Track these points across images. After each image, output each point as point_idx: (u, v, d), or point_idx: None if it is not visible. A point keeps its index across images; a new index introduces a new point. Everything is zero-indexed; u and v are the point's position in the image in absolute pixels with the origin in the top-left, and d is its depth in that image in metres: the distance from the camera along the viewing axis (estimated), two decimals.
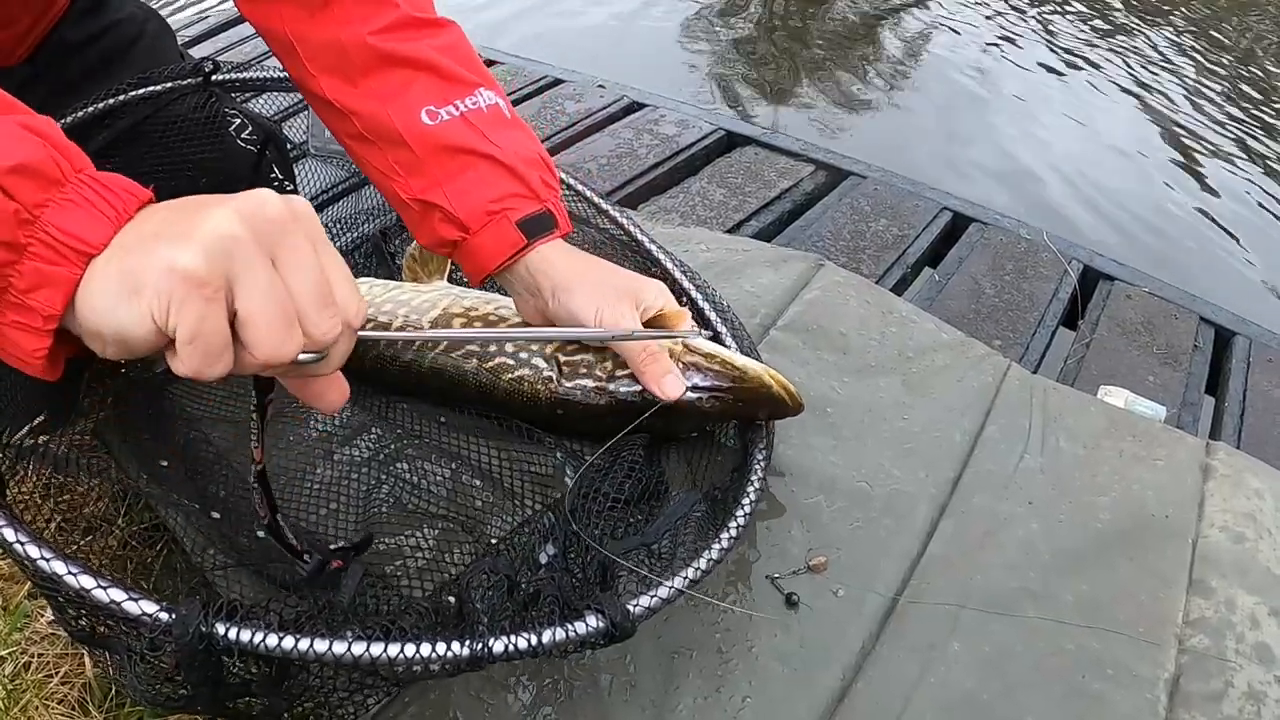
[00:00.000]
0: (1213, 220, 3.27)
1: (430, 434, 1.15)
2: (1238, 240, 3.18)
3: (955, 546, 1.14)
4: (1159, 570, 1.15)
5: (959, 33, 4.56)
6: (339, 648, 0.67)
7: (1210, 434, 1.58)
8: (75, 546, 1.11)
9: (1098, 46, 4.52)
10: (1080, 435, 1.32)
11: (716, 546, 0.88)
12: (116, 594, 0.68)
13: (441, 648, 0.69)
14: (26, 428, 1.03)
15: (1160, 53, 4.51)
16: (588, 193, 1.40)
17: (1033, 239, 1.97)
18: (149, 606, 0.68)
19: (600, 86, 2.48)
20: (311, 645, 0.67)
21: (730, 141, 2.26)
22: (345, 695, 0.79)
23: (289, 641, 0.67)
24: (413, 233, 1.13)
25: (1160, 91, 4.13)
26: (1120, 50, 4.49)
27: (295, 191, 1.49)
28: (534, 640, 0.72)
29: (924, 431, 1.28)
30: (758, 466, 1.03)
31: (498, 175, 1.05)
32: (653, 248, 1.33)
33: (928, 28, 4.62)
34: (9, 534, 0.72)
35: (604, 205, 1.38)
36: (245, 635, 0.67)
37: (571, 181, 1.41)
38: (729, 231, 1.87)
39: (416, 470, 1.10)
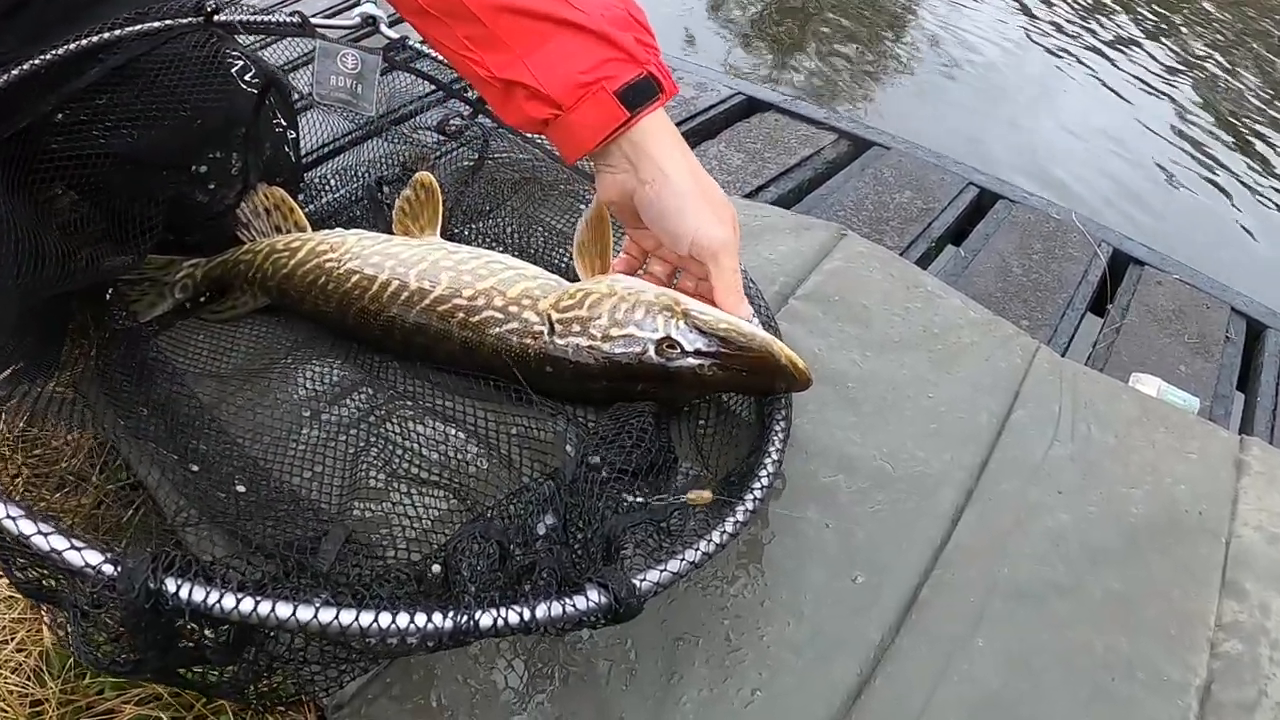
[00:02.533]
0: (1247, 209, 3.22)
1: (424, 395, 1.10)
2: (1273, 231, 3.12)
3: (981, 535, 1.08)
4: (1191, 569, 1.10)
5: (993, 7, 4.48)
6: (304, 614, 0.61)
7: (1240, 428, 1.52)
8: (44, 503, 1.06)
9: (1138, 28, 4.44)
10: (1112, 423, 1.26)
11: (731, 520, 0.81)
12: (58, 541, 0.62)
13: (421, 619, 0.63)
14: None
15: (1202, 38, 4.43)
16: None
17: (1062, 219, 1.91)
18: (93, 557, 0.62)
19: None
20: (273, 610, 0.61)
21: (750, 106, 2.20)
22: (318, 669, 0.72)
23: (248, 604, 0.61)
24: (499, 113, 1.02)
25: (1200, 77, 4.06)
26: (1162, 33, 4.42)
27: (298, 140, 1.43)
28: (527, 615, 0.66)
29: (949, 411, 1.22)
30: (776, 439, 0.96)
31: (584, 42, 0.94)
32: None
33: (952, 10, 4.54)
34: None
35: None
36: (199, 595, 0.61)
37: None
38: (748, 196, 1.81)
39: (408, 433, 1.04)
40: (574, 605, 0.67)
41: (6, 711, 0.84)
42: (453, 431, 1.05)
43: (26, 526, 0.62)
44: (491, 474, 0.99)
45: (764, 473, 0.89)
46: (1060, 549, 1.08)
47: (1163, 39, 4.39)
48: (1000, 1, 4.59)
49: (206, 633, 0.64)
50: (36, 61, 1.09)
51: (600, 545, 0.76)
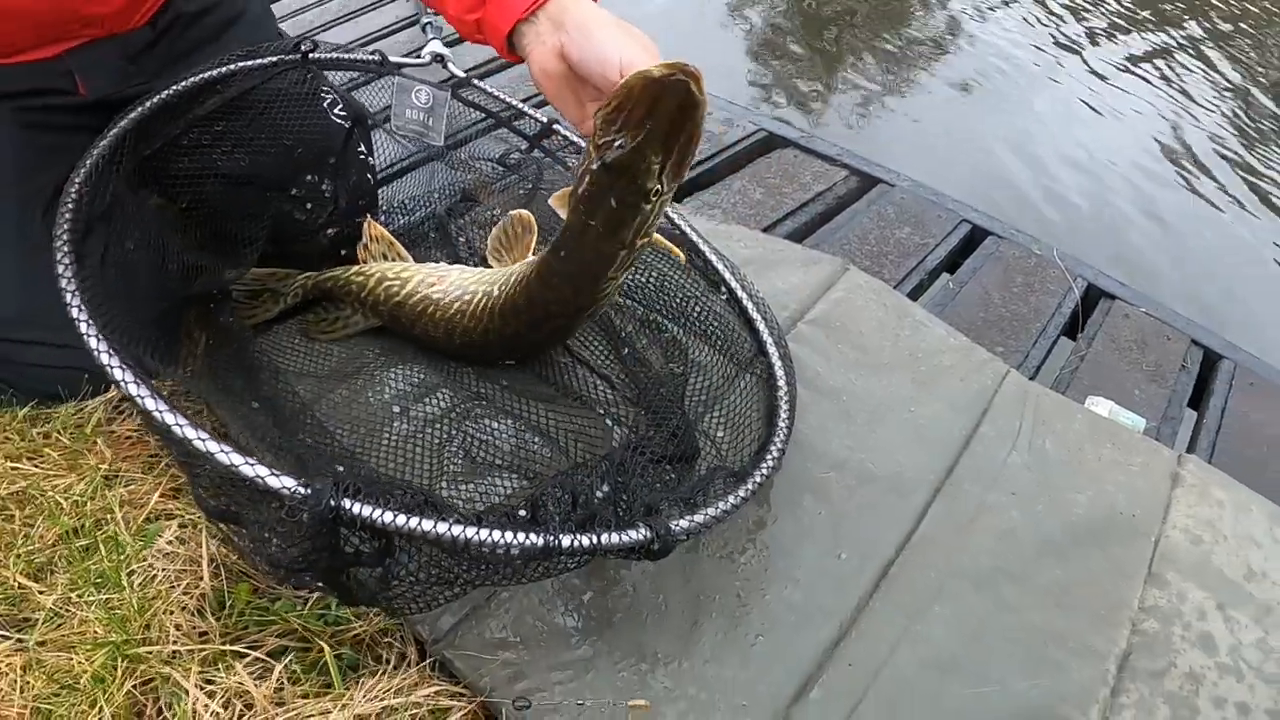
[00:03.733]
0: (1228, 246, 3.34)
1: (495, 397, 1.30)
2: (1249, 267, 3.25)
3: (945, 527, 1.29)
4: (1122, 562, 1.28)
5: (997, 42, 4.61)
6: (442, 528, 0.82)
7: (1187, 448, 1.67)
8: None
9: (1130, 64, 4.53)
10: (1065, 439, 1.46)
11: (744, 488, 1.06)
12: (261, 470, 0.82)
13: (521, 536, 0.85)
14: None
15: (1192, 73, 4.52)
16: None
17: (1043, 255, 2.09)
18: (289, 481, 0.82)
19: None
20: (419, 523, 0.82)
21: (770, 142, 2.37)
22: (425, 587, 0.93)
23: (400, 519, 0.82)
24: (448, 10, 1.25)
25: (1193, 110, 4.17)
26: (1157, 69, 4.50)
27: (375, 166, 1.61)
28: (595, 539, 0.88)
29: (928, 425, 1.43)
30: (782, 427, 1.20)
31: None
32: (698, 240, 1.49)
33: (964, 35, 4.68)
34: (169, 418, 0.84)
35: None
36: (366, 510, 0.82)
37: None
38: (765, 230, 2.00)
39: (484, 428, 1.24)
40: (628, 536, 0.91)
41: (184, 639, 1.05)
42: (520, 426, 1.25)
43: (236, 459, 0.83)
44: (553, 461, 1.21)
45: (773, 452, 1.13)
46: (1010, 542, 1.27)
47: (1168, 75, 4.49)
48: (1015, 34, 4.71)
49: (363, 543, 0.86)
50: (169, 92, 1.26)
51: (642, 509, 0.99)
